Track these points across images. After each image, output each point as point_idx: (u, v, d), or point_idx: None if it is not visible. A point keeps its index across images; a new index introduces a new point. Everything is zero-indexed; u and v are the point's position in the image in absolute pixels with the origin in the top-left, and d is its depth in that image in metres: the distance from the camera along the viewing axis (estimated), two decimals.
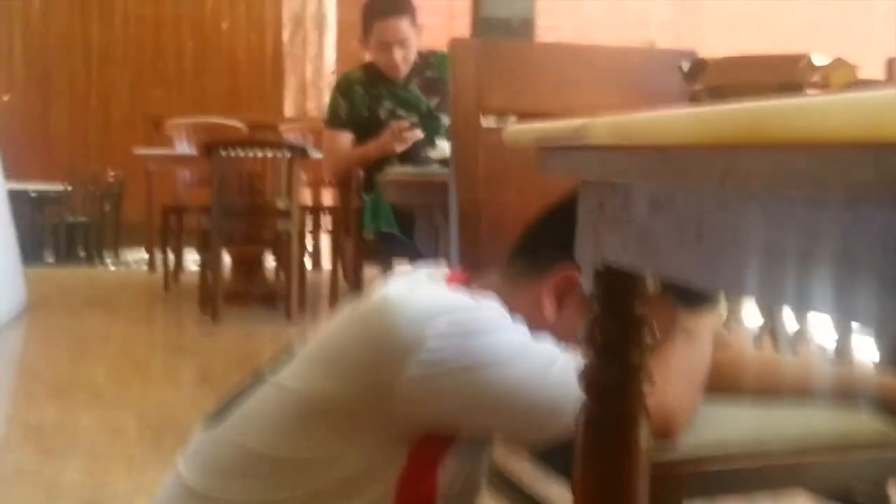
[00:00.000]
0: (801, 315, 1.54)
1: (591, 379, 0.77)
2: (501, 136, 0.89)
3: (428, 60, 3.23)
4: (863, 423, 1.08)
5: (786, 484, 0.99)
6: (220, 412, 1.08)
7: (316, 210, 5.77)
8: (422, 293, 1.02)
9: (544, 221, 1.13)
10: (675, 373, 1.01)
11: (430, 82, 3.22)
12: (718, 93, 0.88)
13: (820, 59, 0.85)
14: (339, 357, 1.00)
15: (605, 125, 0.66)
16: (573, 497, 0.85)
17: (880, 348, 1.29)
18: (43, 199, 7.16)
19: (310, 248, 5.95)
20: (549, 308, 1.07)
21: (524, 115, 1.38)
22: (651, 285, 0.75)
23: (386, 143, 3.08)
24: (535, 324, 1.02)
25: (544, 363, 0.95)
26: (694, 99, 0.92)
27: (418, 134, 3.08)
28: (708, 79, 0.91)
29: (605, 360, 0.76)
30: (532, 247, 1.13)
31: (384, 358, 0.95)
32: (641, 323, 0.75)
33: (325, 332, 1.06)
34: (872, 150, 0.43)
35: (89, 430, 2.57)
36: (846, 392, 1.11)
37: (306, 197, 5.47)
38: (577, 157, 0.76)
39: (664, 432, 0.95)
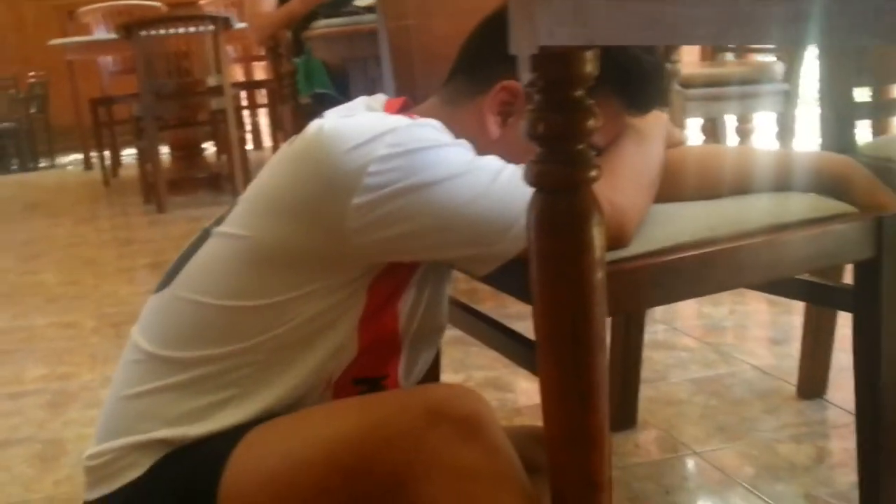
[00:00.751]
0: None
1: (538, 171, 0.73)
2: None
3: None
4: (808, 202, 1.07)
5: (740, 268, 0.98)
6: (169, 274, 1.04)
7: (250, 86, 5.59)
8: (357, 120, 0.97)
9: (479, 36, 1.08)
10: (626, 175, 0.99)
11: None
12: None
13: None
14: (284, 198, 0.96)
15: None
16: (533, 310, 0.83)
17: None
18: None
19: (249, 127, 5.80)
20: (492, 124, 1.03)
21: None
22: (590, 65, 0.71)
23: None
24: (480, 143, 0.98)
25: (490, 174, 0.92)
26: None
27: None
28: None
29: (550, 149, 0.72)
30: (469, 64, 1.08)
31: (328, 190, 0.91)
32: (582, 106, 0.71)
33: (264, 176, 1.01)
34: None
35: (46, 330, 2.52)
36: (789, 174, 1.10)
37: (237, 73, 5.29)
38: None
39: (616, 234, 0.93)
